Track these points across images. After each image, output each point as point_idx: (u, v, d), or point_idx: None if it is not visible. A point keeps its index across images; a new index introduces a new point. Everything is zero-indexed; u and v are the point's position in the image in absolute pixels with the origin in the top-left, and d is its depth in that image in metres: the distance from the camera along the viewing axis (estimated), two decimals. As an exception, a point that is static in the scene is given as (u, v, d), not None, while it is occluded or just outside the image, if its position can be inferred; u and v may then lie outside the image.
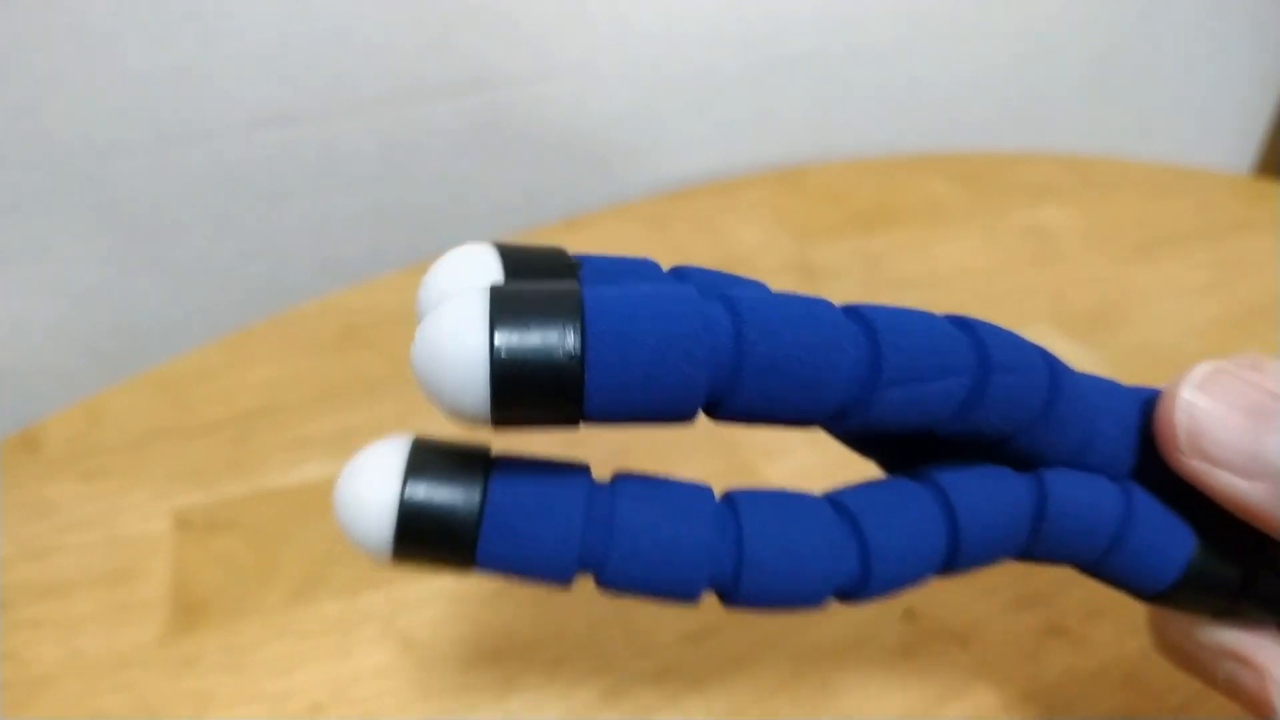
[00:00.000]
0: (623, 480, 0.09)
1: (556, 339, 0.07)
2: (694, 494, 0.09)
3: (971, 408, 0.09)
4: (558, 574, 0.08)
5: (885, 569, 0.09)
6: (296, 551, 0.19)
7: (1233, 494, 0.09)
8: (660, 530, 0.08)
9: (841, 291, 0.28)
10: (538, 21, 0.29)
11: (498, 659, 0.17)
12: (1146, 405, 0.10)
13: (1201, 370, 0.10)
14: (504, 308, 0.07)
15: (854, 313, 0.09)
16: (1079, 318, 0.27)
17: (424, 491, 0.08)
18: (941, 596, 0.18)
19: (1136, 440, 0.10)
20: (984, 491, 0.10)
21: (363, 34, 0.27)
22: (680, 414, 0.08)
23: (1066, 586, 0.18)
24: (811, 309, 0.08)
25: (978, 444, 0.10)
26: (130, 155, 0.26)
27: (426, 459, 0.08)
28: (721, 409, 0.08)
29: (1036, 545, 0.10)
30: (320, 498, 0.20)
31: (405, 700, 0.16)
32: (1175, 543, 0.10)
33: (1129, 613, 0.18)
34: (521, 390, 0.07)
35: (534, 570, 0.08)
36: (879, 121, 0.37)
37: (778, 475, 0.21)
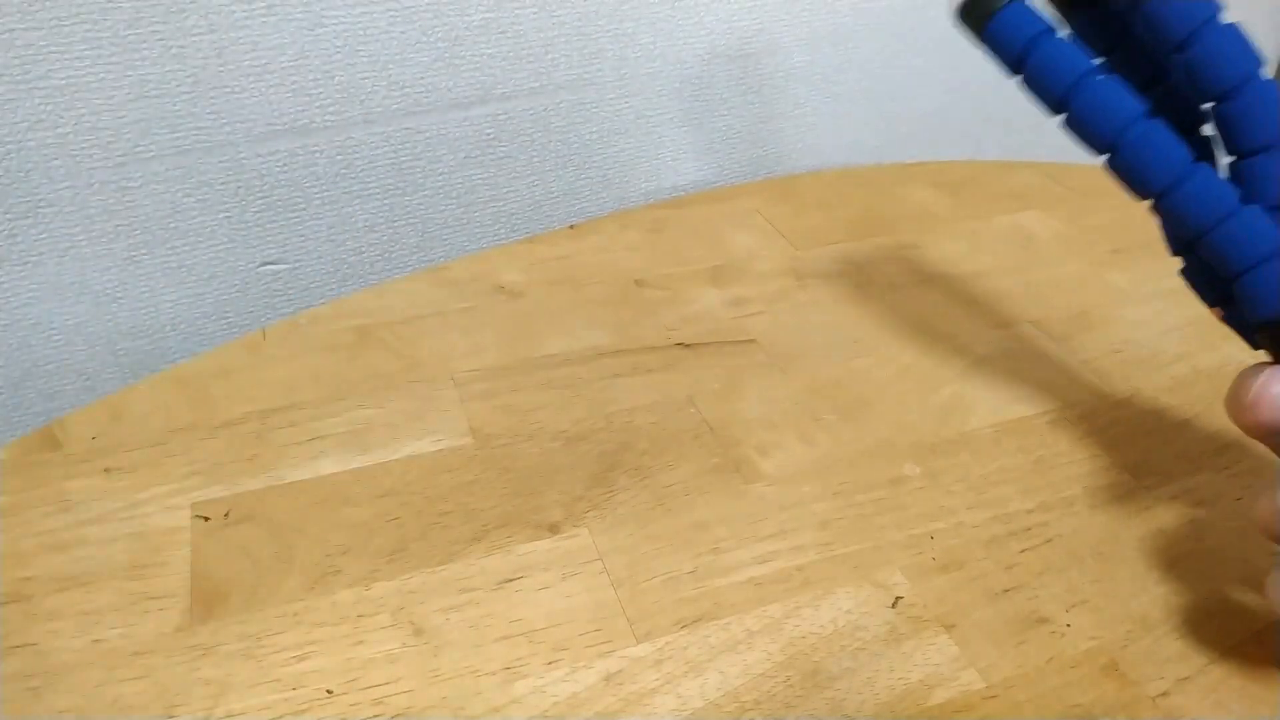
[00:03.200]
0: (1047, 33, 0.16)
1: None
2: (1075, 58, 0.16)
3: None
4: (1009, 62, 0.16)
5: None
6: (311, 543, 0.19)
7: None
8: (1051, 57, 0.16)
9: (831, 294, 0.29)
10: (542, 38, 0.30)
11: (503, 646, 0.17)
12: None
13: None
14: None
15: None
16: (1059, 319, 0.28)
17: None
18: (928, 586, 0.19)
19: None
20: (1209, 177, 0.16)
21: (374, 48, 0.28)
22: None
23: (1049, 577, 0.19)
24: None
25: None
26: (149, 163, 0.27)
27: None
28: None
29: (1220, 230, 0.15)
30: (335, 491, 0.21)
31: (414, 686, 0.17)
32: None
33: (1111, 603, 0.19)
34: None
35: (1000, 51, 0.16)
36: (867, 133, 0.38)
37: (773, 470, 0.22)
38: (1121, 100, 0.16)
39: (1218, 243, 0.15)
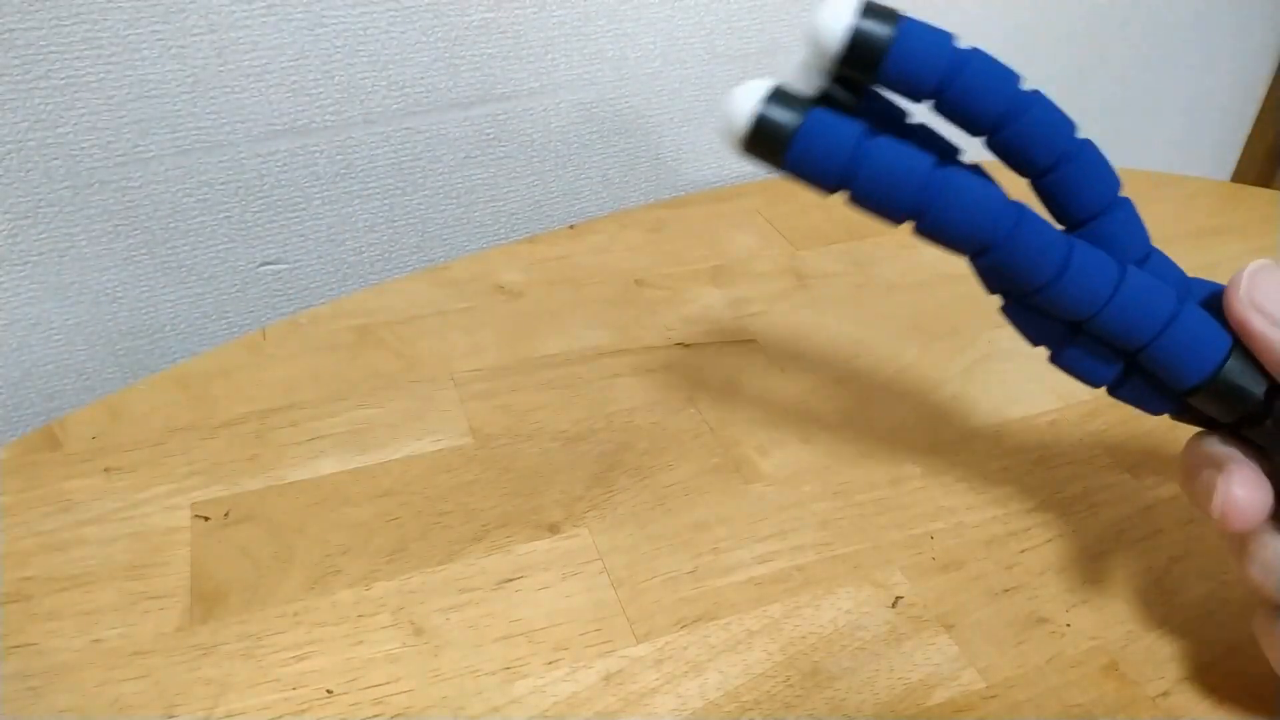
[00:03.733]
0: (867, 134, 0.13)
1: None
2: (916, 156, 0.13)
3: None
4: (827, 183, 0.13)
5: (1022, 243, 0.13)
6: (311, 543, 0.19)
7: (1265, 336, 0.13)
8: (891, 161, 0.13)
9: (831, 294, 0.29)
10: (542, 38, 0.30)
11: (503, 646, 0.17)
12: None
13: (1264, 259, 0.14)
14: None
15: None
16: (1063, 321, 0.28)
17: (769, 108, 0.13)
18: (928, 586, 0.19)
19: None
20: (1088, 248, 0.14)
21: (374, 48, 0.28)
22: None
23: (1049, 577, 0.19)
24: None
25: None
26: (149, 163, 0.27)
27: (780, 92, 0.13)
28: None
29: (1116, 303, 0.13)
30: (335, 491, 0.21)
31: (415, 686, 0.17)
32: (1212, 345, 0.13)
33: (1111, 602, 0.19)
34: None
35: (813, 174, 0.13)
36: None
37: (773, 470, 0.22)
38: (987, 193, 0.13)
39: (1116, 316, 0.13)
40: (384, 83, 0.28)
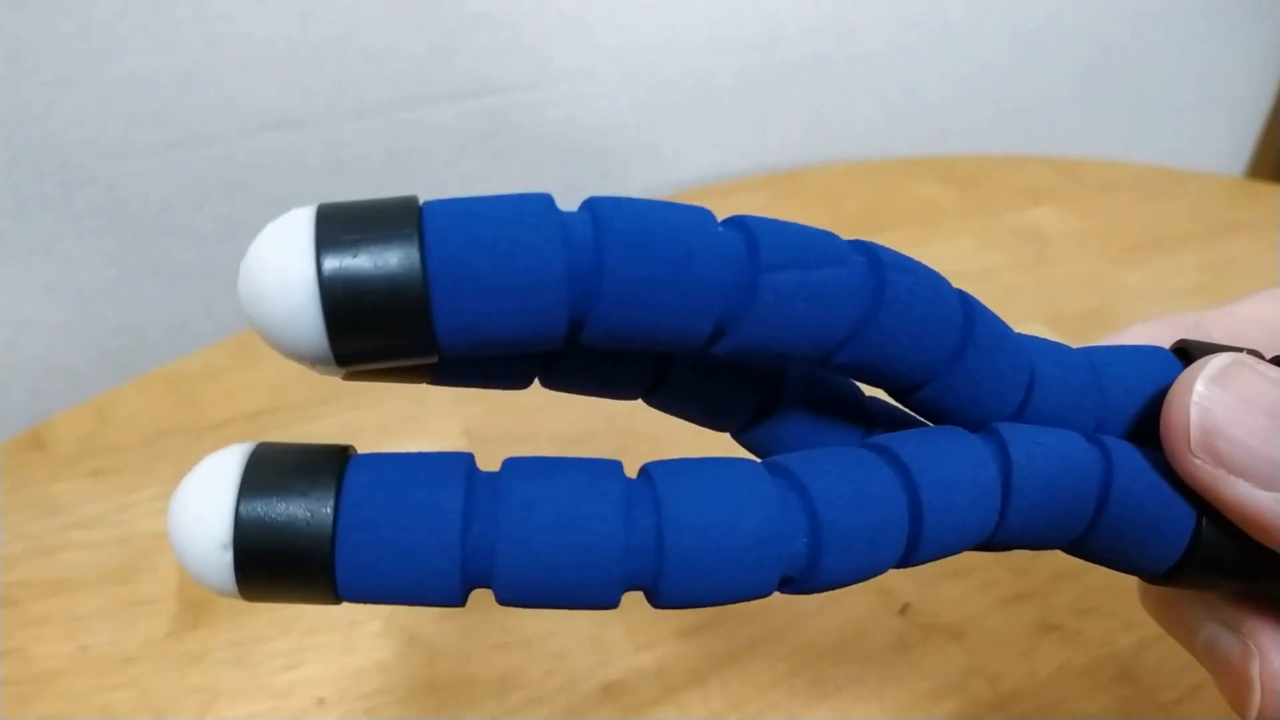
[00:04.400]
0: (510, 468, 0.07)
1: (396, 256, 0.06)
2: (597, 474, 0.07)
3: (872, 319, 0.07)
4: (438, 595, 0.06)
5: (840, 552, 0.07)
6: (302, 548, 0.19)
7: (1249, 507, 0.08)
8: (554, 528, 0.07)
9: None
10: (540, 29, 0.29)
11: (499, 655, 0.17)
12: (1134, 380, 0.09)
13: (1220, 361, 0.08)
14: (332, 224, 0.06)
15: (729, 220, 0.07)
16: (1071, 318, 0.27)
17: (263, 509, 0.06)
18: (936, 593, 0.18)
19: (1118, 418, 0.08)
20: (943, 454, 0.07)
21: (368, 39, 0.27)
22: (544, 333, 0.06)
23: (1060, 583, 0.19)
24: (681, 208, 0.07)
25: (895, 394, 0.08)
26: (137, 158, 0.26)
27: (267, 469, 0.06)
28: (589, 326, 0.07)
29: (1010, 517, 0.08)
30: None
31: (408, 695, 0.16)
32: (1175, 515, 0.08)
33: (1122, 609, 0.18)
34: (362, 318, 0.06)
35: (408, 594, 0.06)
36: (874, 126, 0.37)
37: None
38: (750, 507, 0.07)
39: (1015, 534, 0.08)
40: (377, 75, 0.28)
